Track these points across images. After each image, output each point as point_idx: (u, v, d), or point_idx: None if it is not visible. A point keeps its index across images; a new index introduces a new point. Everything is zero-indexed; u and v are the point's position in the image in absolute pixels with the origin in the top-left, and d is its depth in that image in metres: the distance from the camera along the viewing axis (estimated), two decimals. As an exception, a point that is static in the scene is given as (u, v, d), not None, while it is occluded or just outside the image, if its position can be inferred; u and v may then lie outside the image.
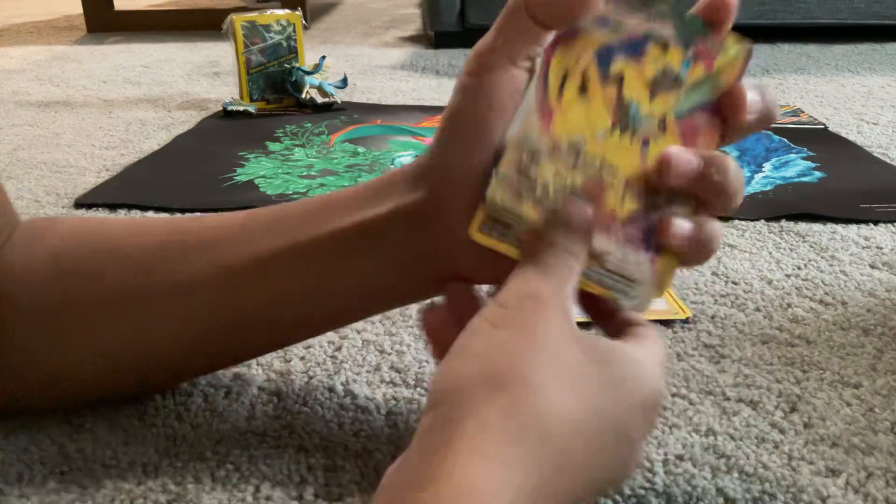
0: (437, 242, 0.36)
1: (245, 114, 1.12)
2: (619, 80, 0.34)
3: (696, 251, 0.35)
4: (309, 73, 1.15)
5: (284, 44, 1.17)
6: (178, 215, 0.73)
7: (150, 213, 0.76)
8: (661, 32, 0.34)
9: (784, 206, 0.75)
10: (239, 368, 0.48)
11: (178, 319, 0.40)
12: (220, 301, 0.40)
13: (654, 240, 0.34)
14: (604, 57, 0.34)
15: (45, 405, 0.43)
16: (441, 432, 0.28)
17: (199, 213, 0.76)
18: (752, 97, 0.34)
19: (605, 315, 0.37)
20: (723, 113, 0.34)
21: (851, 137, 0.99)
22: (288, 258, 0.39)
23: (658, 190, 0.34)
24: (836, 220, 0.72)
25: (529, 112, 0.34)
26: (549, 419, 0.28)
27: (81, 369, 0.41)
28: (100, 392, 0.43)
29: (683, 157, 0.33)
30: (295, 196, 0.80)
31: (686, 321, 0.54)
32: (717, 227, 0.35)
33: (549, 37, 0.35)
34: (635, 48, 0.34)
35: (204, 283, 0.39)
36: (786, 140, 0.97)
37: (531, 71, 0.35)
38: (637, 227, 0.34)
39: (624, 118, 0.34)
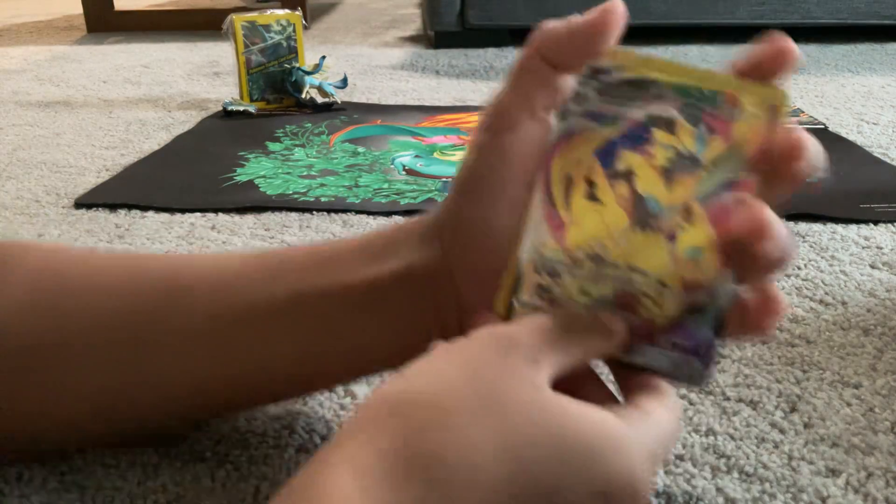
0: (446, 306, 0.34)
1: (245, 114, 1.12)
2: (629, 176, 0.30)
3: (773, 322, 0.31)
4: (309, 73, 1.15)
5: (284, 44, 1.17)
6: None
7: (150, 213, 0.76)
8: (663, 114, 0.30)
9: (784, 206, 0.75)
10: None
11: (164, 369, 0.37)
12: (210, 352, 0.36)
13: (704, 340, 0.30)
14: (607, 154, 0.31)
15: (25, 447, 0.39)
16: (332, 442, 0.27)
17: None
18: (806, 140, 0.28)
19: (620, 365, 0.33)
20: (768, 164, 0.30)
21: (851, 137, 0.99)
22: (284, 313, 0.36)
23: (699, 283, 0.30)
24: (836, 220, 0.72)
25: (539, 228, 0.31)
26: (450, 456, 0.26)
27: (55, 414, 0.37)
28: (77, 441, 0.40)
29: (780, 226, 0.28)
30: (295, 196, 0.80)
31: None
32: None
33: (566, 82, 0.32)
34: (639, 137, 0.30)
35: (192, 334, 0.36)
36: (786, 140, 0.97)
37: (549, 122, 0.32)
38: (684, 333, 0.30)
39: (642, 214, 0.30)
